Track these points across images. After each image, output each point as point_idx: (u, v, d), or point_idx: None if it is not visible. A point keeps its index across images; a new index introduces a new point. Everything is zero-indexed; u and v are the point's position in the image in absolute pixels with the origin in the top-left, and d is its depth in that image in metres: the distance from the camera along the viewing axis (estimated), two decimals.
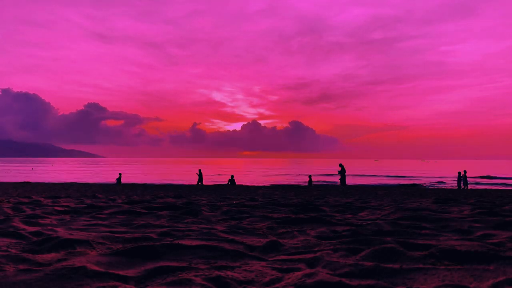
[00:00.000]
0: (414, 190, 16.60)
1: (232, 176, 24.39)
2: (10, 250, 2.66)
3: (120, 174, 26.68)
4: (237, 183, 24.38)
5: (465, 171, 21.98)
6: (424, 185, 28.60)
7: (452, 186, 26.36)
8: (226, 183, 24.42)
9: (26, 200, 7.37)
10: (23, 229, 3.50)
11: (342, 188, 18.54)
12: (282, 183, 29.83)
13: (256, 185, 24.03)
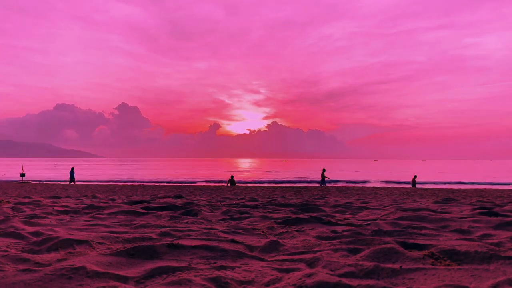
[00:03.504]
0: (414, 190, 16.60)
1: (232, 176, 24.38)
2: (10, 250, 2.66)
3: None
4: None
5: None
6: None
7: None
8: (226, 183, 24.41)
9: (26, 200, 7.37)
10: (23, 229, 3.50)
11: (341, 188, 18.61)
12: (281, 183, 29.85)
13: (256, 185, 24.03)
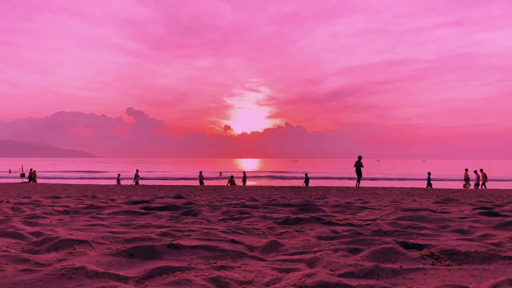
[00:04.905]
0: (414, 190, 16.60)
1: (232, 177, 24.41)
2: (10, 250, 2.66)
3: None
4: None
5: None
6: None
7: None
8: (226, 183, 24.43)
9: (26, 200, 7.37)
10: (23, 229, 3.50)
11: (341, 188, 18.61)
12: (281, 183, 29.85)
13: (256, 185, 24.05)
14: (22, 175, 27.61)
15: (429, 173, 23.83)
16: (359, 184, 18.92)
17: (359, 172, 18.63)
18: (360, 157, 18.76)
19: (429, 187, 22.07)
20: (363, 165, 18.78)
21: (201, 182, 24.34)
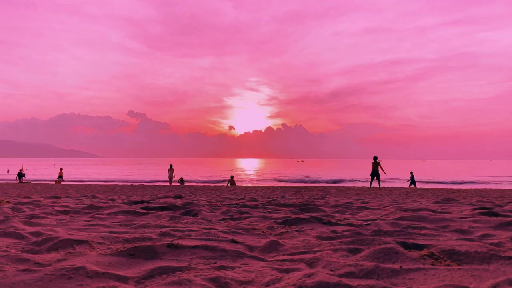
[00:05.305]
0: (414, 190, 16.60)
1: (232, 177, 24.42)
2: (10, 250, 2.66)
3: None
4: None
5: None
6: None
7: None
8: (226, 183, 24.44)
9: (26, 200, 7.37)
10: (23, 229, 3.50)
11: (341, 188, 18.62)
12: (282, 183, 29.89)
13: (256, 185, 24.06)
14: (22, 175, 27.68)
15: (411, 172, 24.29)
16: (380, 185, 18.87)
17: (377, 174, 18.53)
18: (376, 158, 18.70)
19: (412, 185, 22.45)
20: (381, 166, 18.57)
21: (171, 181, 23.86)
